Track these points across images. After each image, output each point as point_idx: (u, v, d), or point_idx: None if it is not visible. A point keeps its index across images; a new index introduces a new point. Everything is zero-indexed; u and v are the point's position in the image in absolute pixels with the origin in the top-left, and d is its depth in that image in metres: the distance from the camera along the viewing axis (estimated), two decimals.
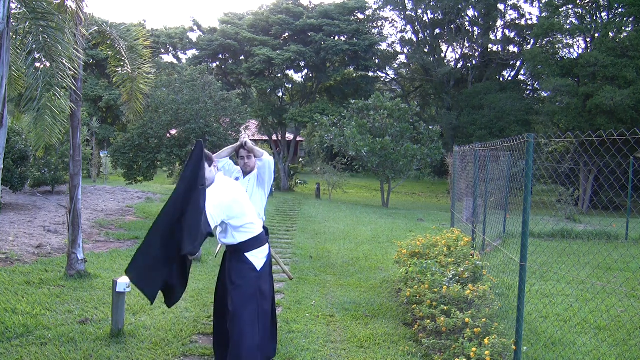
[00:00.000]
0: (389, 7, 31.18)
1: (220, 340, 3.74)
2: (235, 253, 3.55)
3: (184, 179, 3.17)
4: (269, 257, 3.71)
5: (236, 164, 4.47)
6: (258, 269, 3.55)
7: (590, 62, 19.92)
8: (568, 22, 23.03)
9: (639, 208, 12.37)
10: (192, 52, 30.55)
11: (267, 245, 3.67)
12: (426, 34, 32.25)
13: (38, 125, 5.38)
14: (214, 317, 3.84)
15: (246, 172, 4.38)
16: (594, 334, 4.89)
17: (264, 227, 3.71)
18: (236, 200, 3.46)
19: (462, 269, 4.96)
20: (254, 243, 3.56)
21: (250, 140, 4.42)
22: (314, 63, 25.15)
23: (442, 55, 33.35)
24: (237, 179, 4.42)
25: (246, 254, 3.53)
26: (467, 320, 3.98)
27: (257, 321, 3.51)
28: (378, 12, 31.32)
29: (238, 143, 4.39)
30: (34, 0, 4.91)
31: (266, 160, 4.34)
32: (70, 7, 5.81)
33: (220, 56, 28.61)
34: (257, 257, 3.57)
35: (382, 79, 34.61)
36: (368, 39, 25.24)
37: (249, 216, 3.54)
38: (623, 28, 22.11)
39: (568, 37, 23.63)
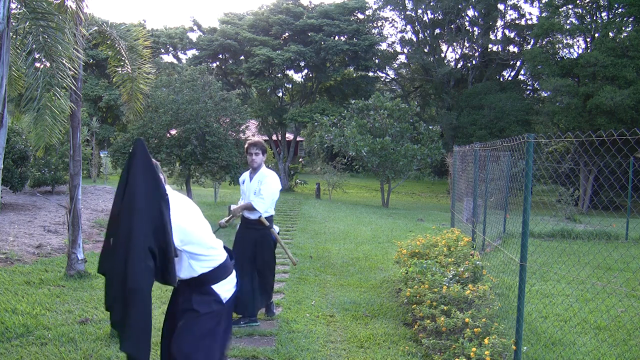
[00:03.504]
0: (389, 7, 31.18)
1: None
2: (197, 286, 2.77)
3: (139, 189, 2.47)
4: (237, 289, 2.99)
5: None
6: (224, 302, 2.83)
7: (590, 62, 19.92)
8: (568, 22, 23.04)
9: (639, 208, 12.37)
10: (192, 52, 30.56)
11: (234, 274, 2.96)
12: (426, 34, 32.26)
13: (38, 125, 5.38)
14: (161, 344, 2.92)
15: (253, 168, 4.93)
16: (594, 334, 4.89)
17: (226, 248, 2.99)
18: (192, 220, 2.72)
19: (462, 269, 4.97)
20: (220, 273, 2.82)
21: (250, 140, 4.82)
22: (314, 63, 25.15)
23: (442, 55, 33.36)
24: (243, 181, 5.08)
25: (213, 287, 2.79)
26: (467, 320, 3.98)
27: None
28: (378, 12, 31.31)
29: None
30: (34, 0, 4.91)
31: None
32: (70, 7, 5.81)
33: (220, 56, 28.60)
34: (224, 289, 2.84)
35: (382, 79, 34.61)
36: (368, 39, 25.23)
37: (208, 240, 2.80)
38: (623, 28, 22.12)
39: (568, 37, 23.65)
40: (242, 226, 5.05)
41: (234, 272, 2.95)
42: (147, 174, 2.50)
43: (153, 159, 2.62)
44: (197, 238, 2.71)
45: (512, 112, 24.93)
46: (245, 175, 5.10)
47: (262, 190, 4.78)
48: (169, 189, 2.72)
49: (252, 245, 4.90)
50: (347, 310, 5.37)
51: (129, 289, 2.42)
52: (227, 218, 5.06)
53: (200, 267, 2.74)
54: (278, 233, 5.04)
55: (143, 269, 2.44)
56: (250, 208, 4.81)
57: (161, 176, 2.68)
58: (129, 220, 2.44)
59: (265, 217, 4.89)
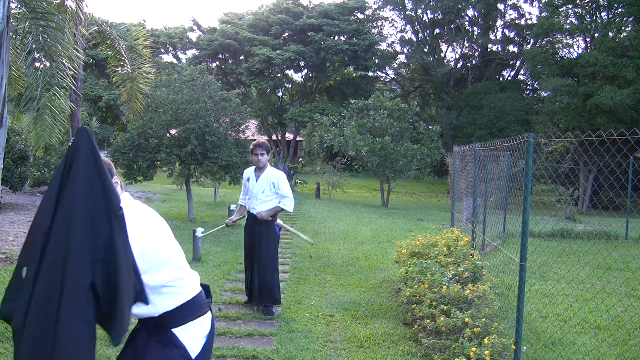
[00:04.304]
0: (389, 7, 31.21)
1: None
2: (157, 330, 2.00)
3: (81, 198, 1.66)
4: (211, 335, 2.16)
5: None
6: (193, 357, 2.04)
7: (590, 62, 19.93)
8: (568, 22, 23.04)
9: (639, 208, 12.38)
10: (192, 52, 30.60)
11: (209, 315, 2.16)
12: (426, 34, 32.27)
13: (38, 125, 5.40)
14: None
15: (259, 168, 5.10)
16: (594, 334, 4.89)
17: (202, 285, 2.19)
18: (155, 241, 1.94)
19: (462, 269, 4.97)
20: (189, 311, 2.05)
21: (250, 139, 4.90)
22: (314, 63, 25.17)
23: (442, 55, 33.38)
24: (248, 179, 5.20)
25: (175, 331, 2.01)
26: (467, 320, 3.98)
27: None
28: (378, 12, 31.35)
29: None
30: (34, 0, 4.91)
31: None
32: (70, 7, 5.82)
33: (220, 56, 28.63)
34: (192, 335, 2.05)
35: (382, 79, 34.65)
36: (368, 39, 25.26)
37: (177, 267, 2.03)
38: (623, 28, 22.12)
39: (568, 37, 23.65)
40: (250, 221, 5.30)
41: (209, 315, 2.16)
42: (93, 177, 1.70)
43: (105, 157, 1.88)
44: (161, 264, 1.94)
45: (512, 112, 24.94)
46: (250, 173, 5.26)
47: (282, 191, 5.12)
48: (128, 198, 1.99)
49: (258, 239, 5.17)
50: (347, 310, 5.37)
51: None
52: (236, 218, 5.42)
53: (162, 303, 1.98)
54: (284, 223, 5.41)
55: (82, 324, 1.64)
56: (280, 211, 5.20)
57: (116, 180, 1.97)
58: (63, 244, 1.63)
59: None
